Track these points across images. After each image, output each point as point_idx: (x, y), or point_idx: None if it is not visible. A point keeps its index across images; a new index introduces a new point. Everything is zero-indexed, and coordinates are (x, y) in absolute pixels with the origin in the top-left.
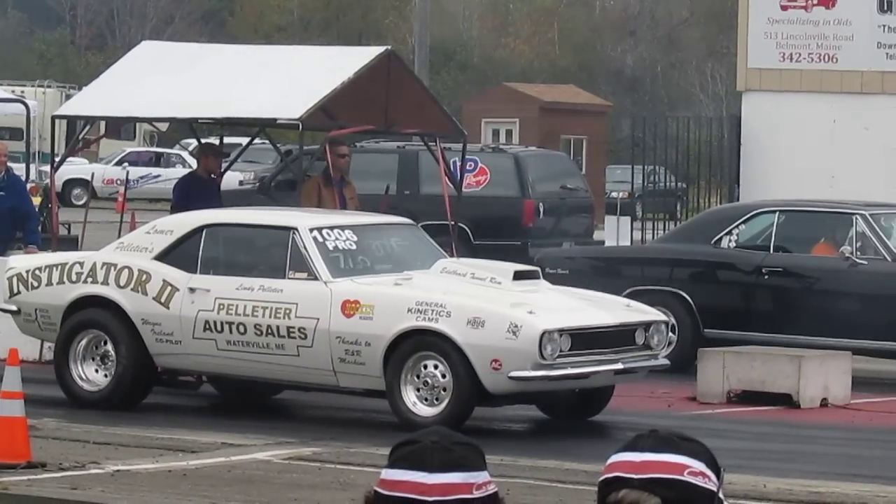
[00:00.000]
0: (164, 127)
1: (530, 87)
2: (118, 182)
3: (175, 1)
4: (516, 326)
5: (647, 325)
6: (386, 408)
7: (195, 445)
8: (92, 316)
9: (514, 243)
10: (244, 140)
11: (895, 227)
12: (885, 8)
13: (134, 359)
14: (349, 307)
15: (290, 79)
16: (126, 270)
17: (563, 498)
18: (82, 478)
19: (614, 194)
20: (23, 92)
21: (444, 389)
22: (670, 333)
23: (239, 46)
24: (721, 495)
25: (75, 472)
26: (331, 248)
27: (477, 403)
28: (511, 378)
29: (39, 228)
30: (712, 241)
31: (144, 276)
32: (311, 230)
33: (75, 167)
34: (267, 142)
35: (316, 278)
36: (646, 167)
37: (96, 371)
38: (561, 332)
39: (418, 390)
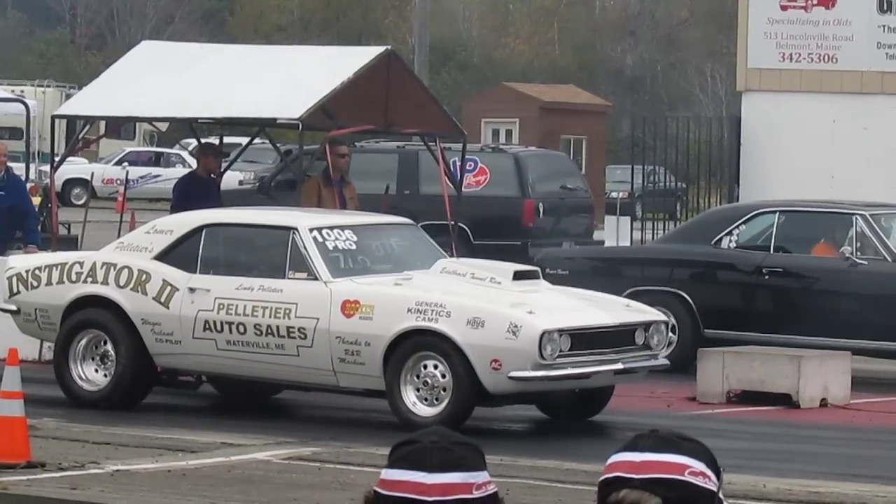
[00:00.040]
0: (163, 127)
1: (530, 86)
2: (118, 182)
3: (175, 1)
4: (516, 326)
5: (646, 325)
6: (385, 408)
7: (195, 445)
8: (91, 316)
9: (514, 243)
10: (244, 140)
11: (895, 228)
12: (885, 8)
13: (134, 359)
14: (349, 307)
15: (290, 79)
16: (126, 270)
17: (563, 498)
18: (82, 478)
19: (614, 194)
20: (22, 91)
21: (444, 389)
22: (670, 334)
23: (239, 46)
24: (721, 495)
25: (75, 471)
26: (331, 248)
27: (477, 403)
28: (511, 378)
29: (39, 228)
30: (712, 242)
31: (144, 276)
32: (311, 230)
33: (75, 167)
34: (267, 142)
35: (316, 278)
36: (645, 167)
37: (96, 371)
38: (561, 332)
39: (418, 390)
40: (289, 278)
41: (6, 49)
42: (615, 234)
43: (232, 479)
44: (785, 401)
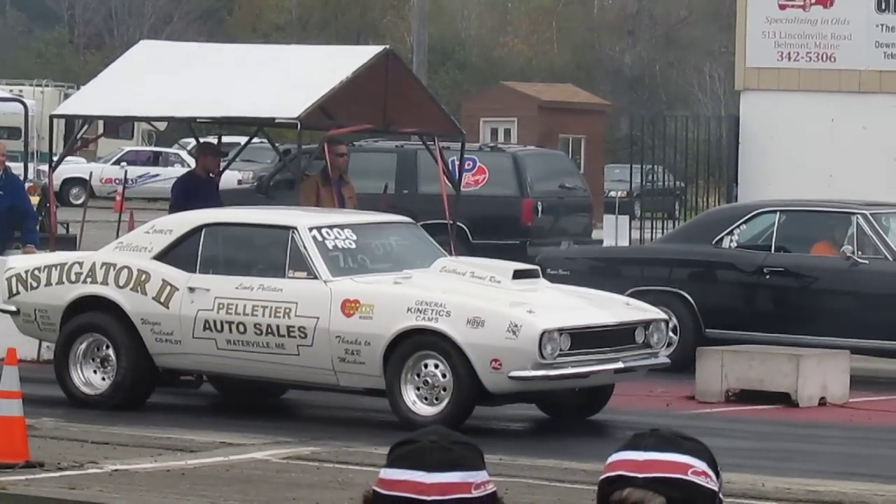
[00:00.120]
0: (162, 126)
1: (529, 86)
2: (116, 181)
3: (173, 0)
4: (516, 326)
5: (646, 324)
6: (384, 407)
7: (193, 445)
8: (91, 319)
9: (513, 242)
10: (243, 139)
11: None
12: (884, 7)
13: (134, 362)
14: (349, 306)
15: (289, 78)
16: (125, 270)
17: (562, 497)
18: (80, 477)
19: (613, 193)
20: (21, 91)
21: (444, 389)
22: (671, 334)
23: (237, 46)
24: (721, 495)
25: (73, 471)
26: (330, 247)
27: (477, 403)
28: (511, 378)
29: (38, 228)
30: (713, 242)
31: (144, 276)
32: (311, 229)
33: (73, 166)
34: (265, 141)
35: (315, 277)
36: (644, 166)
37: (95, 372)
38: (561, 331)
39: (418, 389)
40: (288, 277)
41: (4, 48)
42: (614, 233)
43: (231, 478)
44: (784, 400)
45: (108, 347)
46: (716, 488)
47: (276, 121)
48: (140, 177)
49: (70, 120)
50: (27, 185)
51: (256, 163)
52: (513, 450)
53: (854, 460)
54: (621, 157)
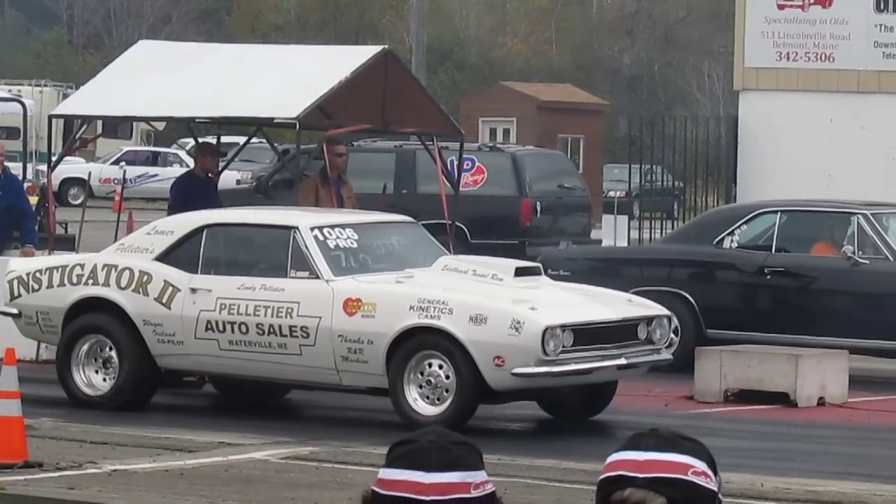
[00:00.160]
0: (161, 126)
1: (527, 86)
2: (115, 181)
3: (172, 0)
4: (519, 323)
5: (649, 320)
6: (383, 407)
7: (192, 445)
8: (93, 321)
9: (512, 242)
10: (241, 139)
11: None
12: (882, 7)
13: (136, 363)
14: (351, 305)
15: (288, 78)
16: (127, 272)
17: (561, 497)
18: (79, 477)
19: (612, 193)
20: (20, 91)
21: (447, 390)
22: (672, 335)
23: (236, 46)
24: (720, 495)
25: (72, 471)
26: (332, 246)
27: (480, 402)
28: (514, 374)
29: (37, 228)
30: (714, 242)
31: (146, 277)
32: (312, 229)
33: (72, 166)
34: (264, 141)
35: (317, 277)
36: (643, 166)
37: (96, 372)
38: (563, 327)
39: (420, 387)
40: (290, 277)
41: (3, 48)
42: (613, 233)
43: (229, 478)
44: (783, 400)
45: (110, 349)
46: (715, 488)
47: (275, 121)
48: (139, 177)
49: (69, 120)
50: (26, 185)
51: (255, 163)
52: (511, 450)
53: (853, 460)
54: (620, 157)
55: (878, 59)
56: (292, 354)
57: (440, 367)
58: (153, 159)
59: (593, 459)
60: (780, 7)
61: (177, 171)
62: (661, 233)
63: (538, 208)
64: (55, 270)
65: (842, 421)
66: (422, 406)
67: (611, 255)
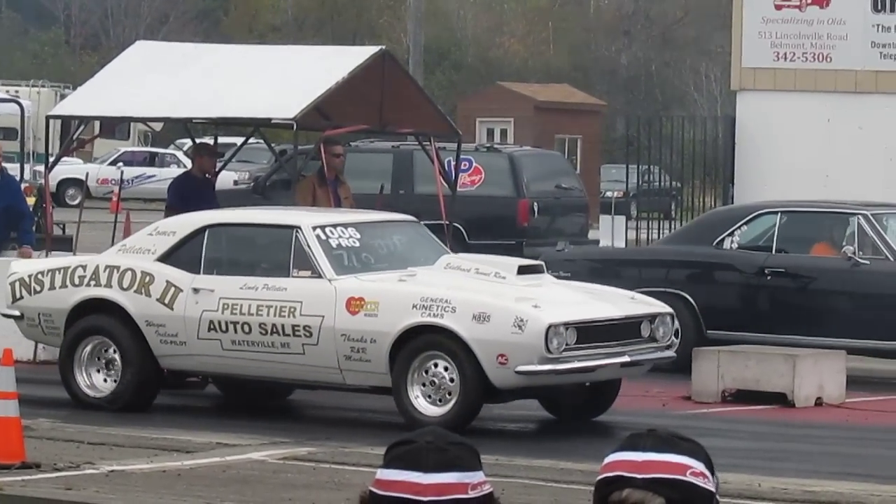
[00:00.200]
0: (158, 127)
1: (525, 86)
2: (113, 182)
3: (169, 1)
4: (522, 321)
5: (652, 318)
6: (381, 407)
7: (190, 445)
8: (95, 322)
9: (509, 243)
10: (239, 140)
11: None
12: (879, 7)
13: (139, 364)
14: (354, 304)
15: (285, 78)
16: (129, 272)
17: (559, 497)
18: (77, 478)
19: (609, 194)
20: (17, 92)
21: (450, 392)
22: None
23: (233, 46)
24: (718, 496)
25: (70, 472)
26: (334, 245)
27: (484, 402)
28: (518, 372)
29: (34, 228)
30: (714, 243)
31: (148, 278)
32: (315, 228)
33: (70, 167)
34: (262, 141)
35: (320, 276)
36: (640, 167)
37: (99, 374)
38: (567, 325)
39: (424, 386)
40: (293, 277)
41: (0, 49)
42: (610, 233)
43: (227, 479)
44: (780, 400)
45: (112, 350)
46: (713, 489)
47: (273, 121)
48: (136, 177)
49: (66, 120)
50: (23, 185)
51: (253, 163)
52: (509, 450)
53: (850, 460)
54: (617, 157)
55: (876, 60)
56: (295, 354)
57: (444, 368)
58: (151, 160)
59: (591, 460)
60: (778, 7)
61: (174, 171)
62: (659, 233)
63: (535, 209)
64: (57, 272)
65: (839, 421)
66: (425, 407)
67: (611, 256)
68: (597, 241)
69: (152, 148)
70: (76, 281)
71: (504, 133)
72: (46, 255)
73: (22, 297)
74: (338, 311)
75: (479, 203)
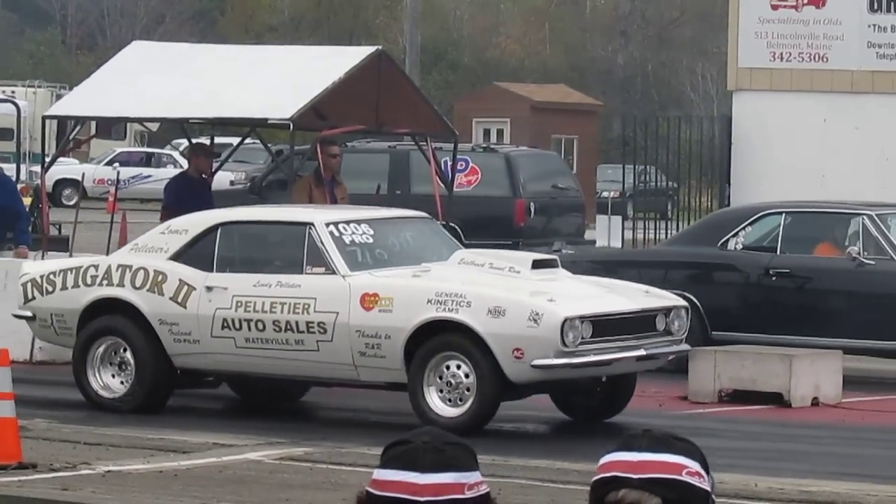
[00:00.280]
0: (154, 127)
1: (521, 86)
2: (109, 182)
3: (165, 1)
4: (537, 314)
5: (667, 311)
6: (378, 407)
7: (186, 446)
8: (108, 323)
9: (506, 243)
10: (235, 140)
11: None
12: (876, 7)
13: (153, 364)
14: (368, 300)
15: (281, 78)
16: (142, 271)
17: (555, 497)
18: (73, 478)
19: (605, 194)
20: (13, 92)
21: (468, 389)
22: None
23: (230, 46)
24: (713, 495)
25: (66, 472)
26: (347, 242)
27: (501, 399)
28: (534, 366)
29: (30, 229)
30: (719, 244)
31: (160, 277)
32: (328, 225)
33: (66, 167)
34: (258, 142)
35: (334, 272)
36: (637, 167)
37: (113, 377)
38: (582, 318)
39: (440, 387)
40: (306, 273)
41: None
42: (606, 233)
43: (224, 479)
44: (776, 400)
45: (125, 351)
46: (709, 488)
47: (269, 121)
48: (132, 178)
49: (62, 121)
50: (19, 186)
51: (249, 163)
52: (506, 450)
53: (847, 460)
54: (614, 157)
55: (872, 60)
56: (309, 351)
57: (459, 367)
58: (147, 160)
59: (587, 460)
60: (774, 7)
61: (170, 171)
62: (655, 233)
63: (532, 209)
64: (69, 272)
65: (836, 421)
66: (442, 408)
67: (615, 258)
68: (593, 242)
69: (148, 148)
70: (88, 281)
71: (500, 133)
72: (43, 256)
73: (34, 298)
74: (352, 308)
75: (475, 203)
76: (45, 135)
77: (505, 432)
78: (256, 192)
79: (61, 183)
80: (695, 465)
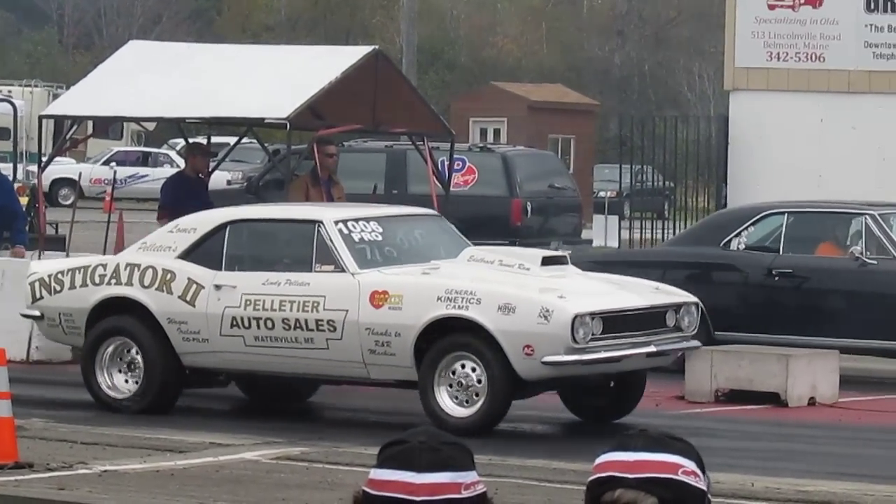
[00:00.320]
0: (151, 126)
1: (518, 86)
2: (106, 182)
3: (162, 0)
4: (548, 311)
5: (677, 307)
6: (376, 407)
7: (183, 445)
8: (117, 322)
9: (502, 242)
10: (232, 139)
11: None
12: (872, 7)
13: (161, 364)
14: (378, 298)
15: (278, 78)
16: (150, 270)
17: (552, 497)
18: (70, 478)
19: (602, 193)
20: (10, 91)
21: (478, 393)
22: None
23: (226, 46)
24: (709, 495)
25: (63, 472)
26: (356, 239)
27: (512, 398)
28: (544, 363)
29: (27, 228)
30: (721, 244)
31: (169, 276)
32: (337, 222)
33: (62, 167)
34: (255, 141)
35: (343, 270)
36: (633, 166)
37: (119, 374)
38: (592, 315)
39: (451, 387)
40: (316, 271)
41: None
42: (603, 233)
43: (220, 479)
44: (773, 399)
45: (134, 351)
46: (705, 488)
47: (266, 121)
48: (129, 177)
49: (59, 120)
50: (16, 185)
51: (246, 163)
52: (502, 450)
53: (843, 460)
54: (611, 157)
55: (869, 60)
56: (319, 349)
57: (471, 368)
58: (144, 160)
59: (583, 459)
60: (771, 7)
61: (167, 171)
62: (652, 233)
63: (529, 208)
64: (77, 271)
65: (832, 421)
66: (453, 408)
67: (618, 258)
68: (590, 241)
69: (145, 148)
70: (96, 280)
71: (497, 133)
72: (39, 256)
73: (42, 297)
74: (361, 305)
75: (472, 203)
76: (42, 134)
77: (502, 432)
78: (253, 191)
79: (58, 182)
80: (691, 465)
